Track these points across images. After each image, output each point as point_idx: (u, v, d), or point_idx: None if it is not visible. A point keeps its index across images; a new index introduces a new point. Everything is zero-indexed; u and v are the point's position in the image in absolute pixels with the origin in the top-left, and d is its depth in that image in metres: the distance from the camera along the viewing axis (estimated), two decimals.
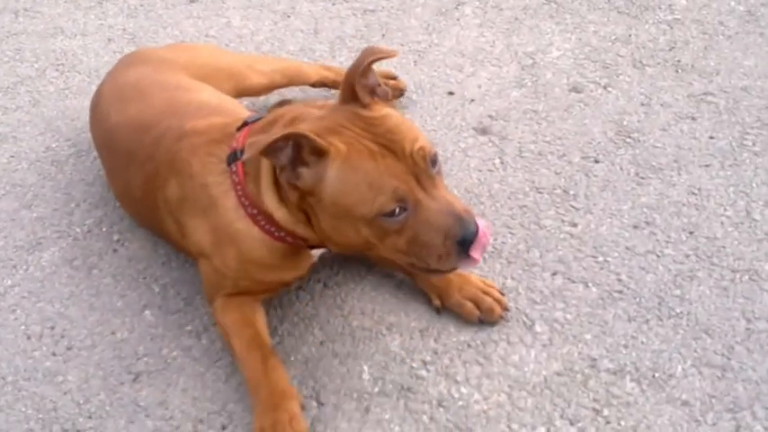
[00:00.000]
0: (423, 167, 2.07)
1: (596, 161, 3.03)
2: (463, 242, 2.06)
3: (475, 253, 2.07)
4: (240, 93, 3.05)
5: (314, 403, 2.31)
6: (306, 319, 2.54)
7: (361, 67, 2.12)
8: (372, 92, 2.17)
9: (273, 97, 3.36)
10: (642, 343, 2.39)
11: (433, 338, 2.46)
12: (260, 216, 2.24)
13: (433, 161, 2.11)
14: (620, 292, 2.55)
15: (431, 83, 3.49)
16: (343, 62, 3.65)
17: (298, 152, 2.04)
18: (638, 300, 2.51)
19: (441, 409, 2.27)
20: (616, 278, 2.59)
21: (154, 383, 2.39)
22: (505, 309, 2.50)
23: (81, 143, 3.29)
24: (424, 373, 2.37)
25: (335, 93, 3.23)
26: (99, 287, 2.69)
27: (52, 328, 2.57)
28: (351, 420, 2.26)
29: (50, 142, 3.34)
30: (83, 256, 2.80)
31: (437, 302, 2.53)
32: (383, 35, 3.81)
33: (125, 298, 2.65)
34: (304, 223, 2.22)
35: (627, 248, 2.69)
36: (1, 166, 3.24)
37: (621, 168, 2.99)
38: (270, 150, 2.00)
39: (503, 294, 2.52)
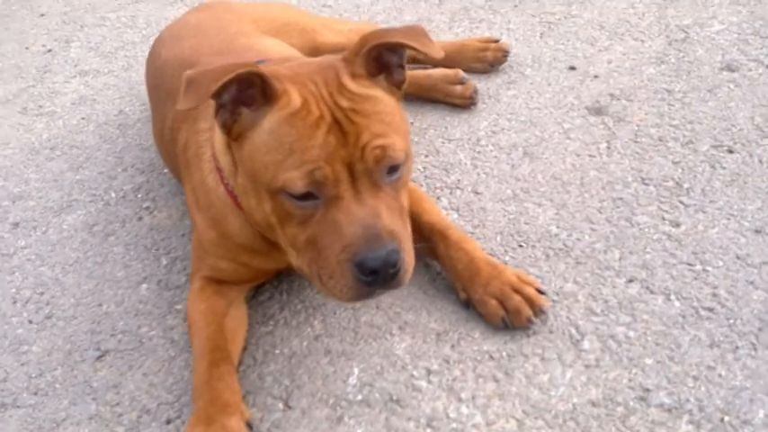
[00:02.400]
0: (369, 167, 1.63)
1: (730, 151, 2.39)
2: (361, 266, 1.58)
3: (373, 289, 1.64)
4: (313, 51, 2.67)
5: (280, 405, 1.89)
6: (310, 308, 2.12)
7: (392, 41, 1.71)
8: (384, 69, 1.76)
9: None
10: (719, 376, 1.78)
11: (451, 344, 1.96)
12: (221, 170, 1.87)
13: (392, 169, 1.67)
14: (711, 310, 1.93)
15: (552, 56, 2.96)
16: (458, 33, 3.20)
17: (247, 90, 1.65)
18: (731, 321, 1.89)
19: (428, 431, 1.78)
20: (711, 292, 1.97)
21: (116, 364, 2.06)
22: (540, 311, 1.95)
23: None
24: (423, 384, 1.88)
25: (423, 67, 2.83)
26: (107, 255, 2.40)
27: (41, 294, 2.31)
28: (315, 430, 1.81)
29: (125, 106, 3.13)
30: (105, 222, 2.54)
31: (463, 295, 2.03)
32: (515, 5, 3.31)
33: (128, 269, 2.34)
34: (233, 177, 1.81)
35: (737, 257, 2.06)
36: (69, 127, 3.08)
37: (761, 161, 2.34)
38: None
39: (542, 293, 1.98)
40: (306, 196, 1.62)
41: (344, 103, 1.65)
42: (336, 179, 1.60)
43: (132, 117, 3.04)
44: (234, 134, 1.70)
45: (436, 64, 2.87)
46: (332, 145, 1.60)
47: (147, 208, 2.56)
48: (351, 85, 1.68)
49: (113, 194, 2.66)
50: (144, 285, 2.28)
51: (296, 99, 1.64)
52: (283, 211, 1.67)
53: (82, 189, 2.71)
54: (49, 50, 3.69)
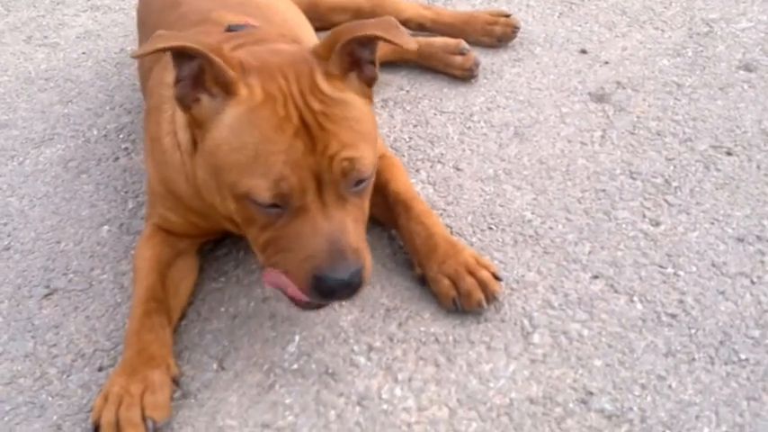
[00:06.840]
0: (336, 179, 1.55)
1: (729, 153, 2.28)
2: (321, 283, 1.53)
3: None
4: (311, 7, 2.59)
5: (214, 366, 1.84)
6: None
7: (366, 34, 1.60)
8: (355, 65, 1.65)
9: None
10: (669, 387, 1.69)
11: (398, 322, 1.89)
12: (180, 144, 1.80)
13: (359, 181, 1.59)
14: (674, 316, 1.84)
15: (566, 37, 2.85)
16: (476, 5, 3.10)
17: (202, 75, 1.58)
18: (693, 331, 1.80)
19: (357, 408, 1.72)
20: (678, 298, 1.88)
21: (61, 304, 2.02)
22: (493, 297, 1.86)
23: None
24: (362, 360, 1.82)
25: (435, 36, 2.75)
26: (76, 192, 2.36)
27: (5, 224, 2.28)
28: (243, 395, 1.76)
29: (128, 44, 3.08)
30: (82, 159, 2.50)
31: (419, 271, 1.96)
32: None
33: (94, 208, 2.30)
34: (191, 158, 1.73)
35: (713, 264, 1.96)
36: (68, 60, 3.04)
37: (758, 167, 2.23)
38: (175, 54, 1.57)
39: (499, 279, 1.89)
40: (271, 205, 1.55)
41: (316, 106, 1.55)
42: (303, 189, 1.53)
43: None
44: (196, 119, 1.62)
45: (443, 33, 2.78)
46: (299, 151, 1.52)
47: (126, 149, 2.52)
48: (324, 85, 1.58)
49: (95, 132, 2.62)
50: (105, 227, 2.23)
51: (258, 93, 1.55)
52: (247, 213, 1.61)
53: (66, 123, 2.67)
54: None
